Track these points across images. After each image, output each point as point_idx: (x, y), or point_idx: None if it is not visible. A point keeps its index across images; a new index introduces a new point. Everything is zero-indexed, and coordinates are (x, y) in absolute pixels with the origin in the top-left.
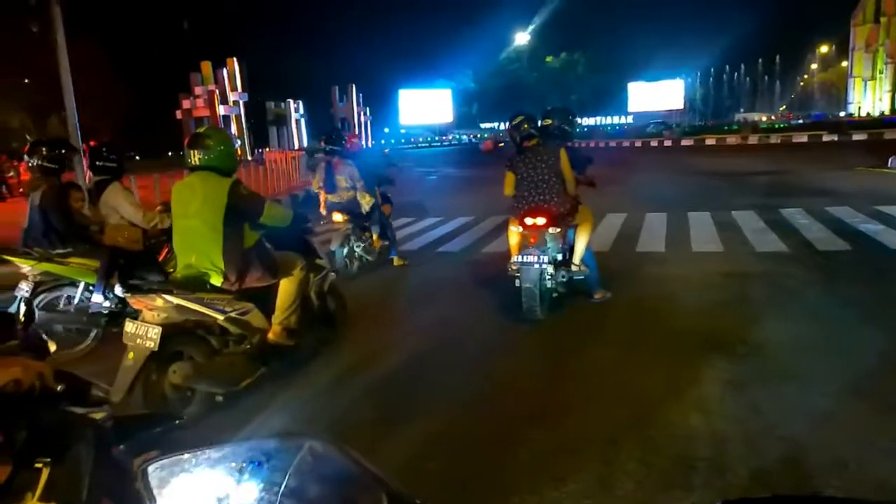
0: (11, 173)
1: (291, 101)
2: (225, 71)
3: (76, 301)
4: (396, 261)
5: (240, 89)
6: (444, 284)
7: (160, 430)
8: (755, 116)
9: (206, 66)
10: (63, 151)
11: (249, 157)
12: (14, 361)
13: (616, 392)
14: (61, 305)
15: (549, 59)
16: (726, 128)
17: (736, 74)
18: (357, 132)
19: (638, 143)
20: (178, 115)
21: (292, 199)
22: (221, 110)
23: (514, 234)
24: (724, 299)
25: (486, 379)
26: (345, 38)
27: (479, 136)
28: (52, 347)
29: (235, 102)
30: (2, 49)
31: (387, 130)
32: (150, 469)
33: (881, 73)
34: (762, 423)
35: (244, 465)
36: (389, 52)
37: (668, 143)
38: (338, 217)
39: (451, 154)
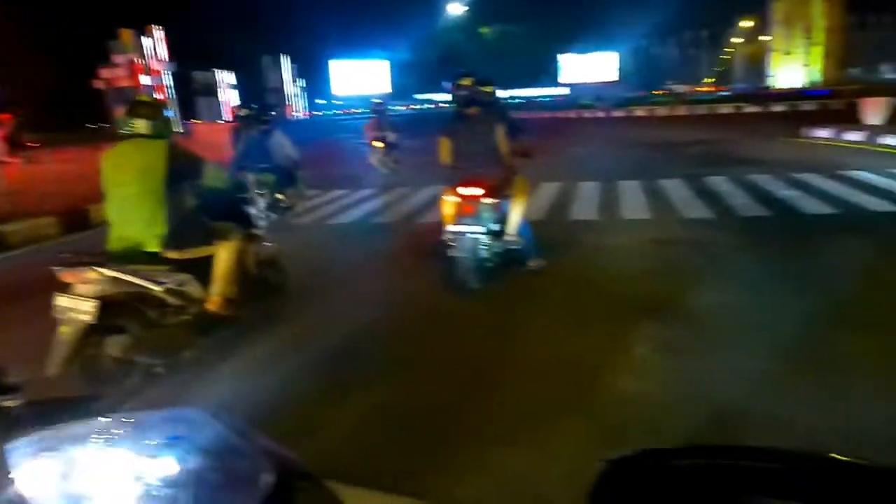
0: None
1: (221, 71)
2: (148, 39)
3: None
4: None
5: (166, 58)
6: (380, 255)
7: (85, 410)
8: (683, 88)
9: (127, 34)
10: None
11: (177, 129)
12: None
13: (553, 358)
14: None
15: (484, 30)
16: (655, 99)
17: (665, 48)
18: (290, 102)
19: (572, 114)
20: (98, 85)
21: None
22: (145, 80)
23: (450, 203)
24: (655, 265)
25: (425, 349)
26: (277, 7)
27: (417, 107)
28: None
29: (160, 72)
30: None
31: (322, 101)
32: (9, 448)
33: (798, 47)
34: (694, 386)
35: (117, 439)
36: (324, 22)
37: (600, 113)
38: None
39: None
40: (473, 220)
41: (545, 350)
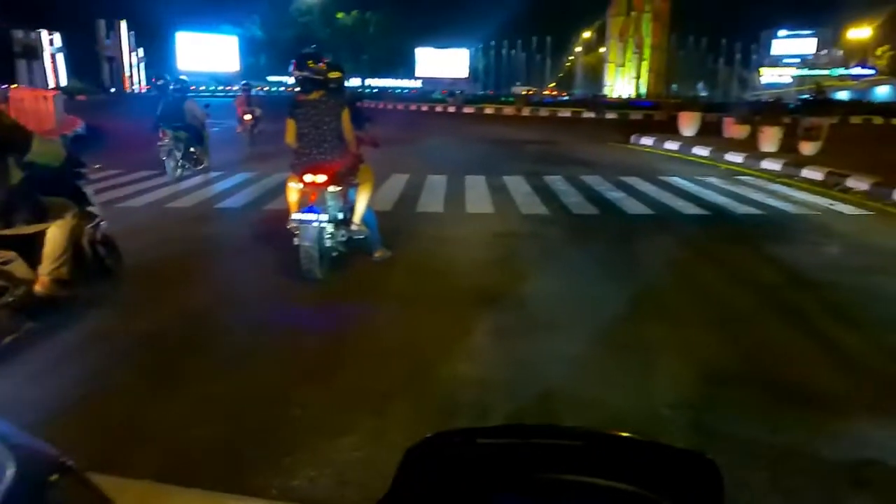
0: None
1: (45, 32)
2: None
3: None
4: None
5: None
6: (222, 242)
7: None
8: (529, 90)
9: None
10: None
11: None
12: None
13: (392, 347)
14: None
15: (340, 15)
16: (503, 98)
17: (514, 50)
18: (128, 74)
19: (425, 108)
20: None
21: (63, 140)
22: None
23: (294, 191)
24: (494, 257)
25: (262, 339)
26: None
27: (266, 88)
28: None
29: None
30: None
31: (167, 78)
32: None
33: (630, 60)
34: (520, 369)
35: None
36: None
37: (451, 109)
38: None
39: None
40: (318, 208)
41: (385, 339)
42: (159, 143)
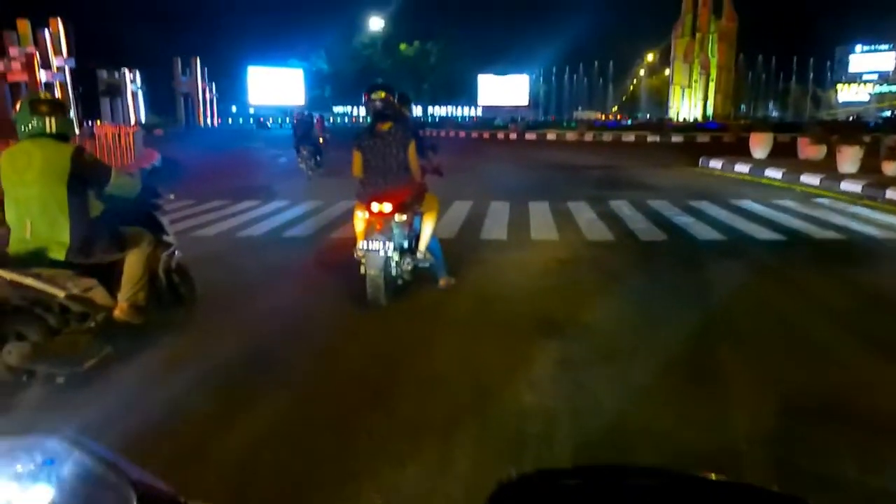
0: None
1: (127, 71)
2: (47, 32)
3: None
4: None
5: (65, 53)
6: (290, 269)
7: None
8: (591, 115)
9: (24, 25)
10: None
11: (77, 131)
12: None
13: (457, 374)
14: None
15: (403, 46)
16: (565, 124)
17: (575, 75)
18: (202, 108)
19: (486, 135)
20: None
21: (141, 173)
22: (43, 76)
23: (361, 219)
24: (559, 284)
25: (329, 366)
26: (189, 6)
27: (333, 118)
28: None
29: (60, 68)
30: None
31: (234, 109)
32: None
33: (696, 82)
34: (588, 400)
35: None
36: (238, 26)
37: (513, 135)
38: None
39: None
40: (384, 237)
41: (449, 367)
42: (298, 157)
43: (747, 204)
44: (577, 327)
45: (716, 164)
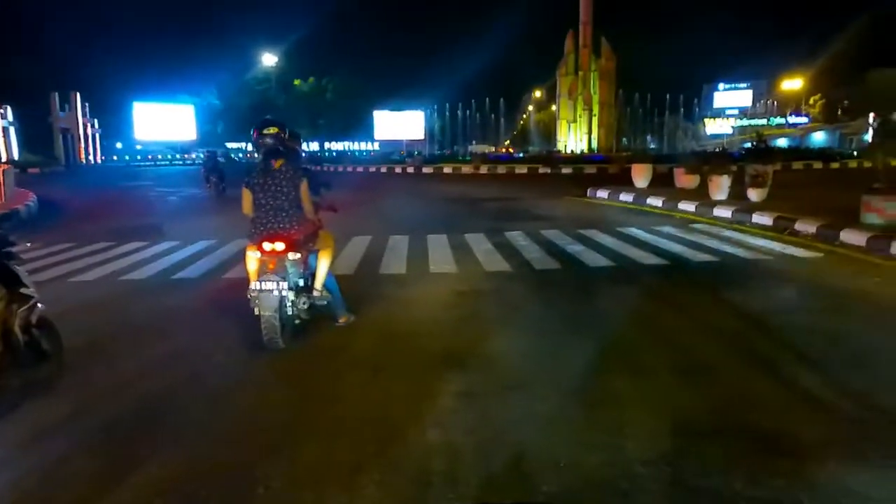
0: None
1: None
2: None
3: None
4: None
5: None
6: (180, 314)
7: None
8: (485, 148)
9: None
10: None
11: None
12: None
13: (359, 415)
14: None
15: (297, 82)
16: (461, 158)
17: (469, 110)
18: (83, 145)
19: (384, 169)
20: None
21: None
22: None
23: (252, 259)
24: (459, 316)
25: (225, 415)
26: (66, 39)
27: (230, 155)
28: None
29: None
30: None
31: (119, 146)
32: None
33: (580, 116)
34: (491, 432)
35: None
36: (122, 61)
37: (410, 169)
38: None
39: (195, 173)
40: (277, 276)
41: (351, 407)
42: (206, 184)
43: (632, 231)
44: (479, 359)
45: (602, 193)
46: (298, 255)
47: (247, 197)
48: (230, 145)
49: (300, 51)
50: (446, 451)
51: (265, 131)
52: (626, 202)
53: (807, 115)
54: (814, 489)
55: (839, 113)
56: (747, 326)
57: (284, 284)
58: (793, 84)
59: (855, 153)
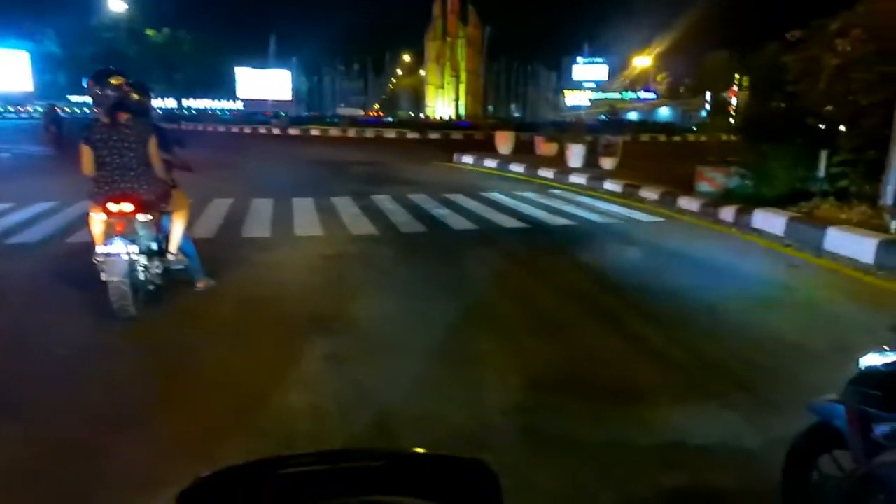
0: None
1: None
2: None
3: None
4: None
5: None
6: (18, 282)
7: None
8: (354, 111)
9: None
10: None
11: None
12: None
13: (220, 382)
14: None
15: (150, 32)
16: (329, 120)
17: (342, 69)
18: None
19: (248, 130)
20: None
21: None
22: None
23: (98, 221)
24: (325, 280)
25: (71, 388)
26: None
27: (69, 109)
28: None
29: None
30: None
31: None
32: None
33: (448, 83)
34: (357, 393)
35: None
36: None
37: (276, 131)
38: None
39: (29, 129)
40: (126, 239)
41: (211, 374)
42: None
43: (496, 196)
44: (344, 323)
45: (468, 159)
46: (150, 217)
47: (86, 154)
48: (73, 98)
49: None
50: (311, 413)
51: (109, 81)
52: (490, 168)
53: (655, 92)
54: (650, 428)
55: (681, 91)
56: (597, 286)
57: (134, 248)
58: (643, 62)
59: (694, 128)
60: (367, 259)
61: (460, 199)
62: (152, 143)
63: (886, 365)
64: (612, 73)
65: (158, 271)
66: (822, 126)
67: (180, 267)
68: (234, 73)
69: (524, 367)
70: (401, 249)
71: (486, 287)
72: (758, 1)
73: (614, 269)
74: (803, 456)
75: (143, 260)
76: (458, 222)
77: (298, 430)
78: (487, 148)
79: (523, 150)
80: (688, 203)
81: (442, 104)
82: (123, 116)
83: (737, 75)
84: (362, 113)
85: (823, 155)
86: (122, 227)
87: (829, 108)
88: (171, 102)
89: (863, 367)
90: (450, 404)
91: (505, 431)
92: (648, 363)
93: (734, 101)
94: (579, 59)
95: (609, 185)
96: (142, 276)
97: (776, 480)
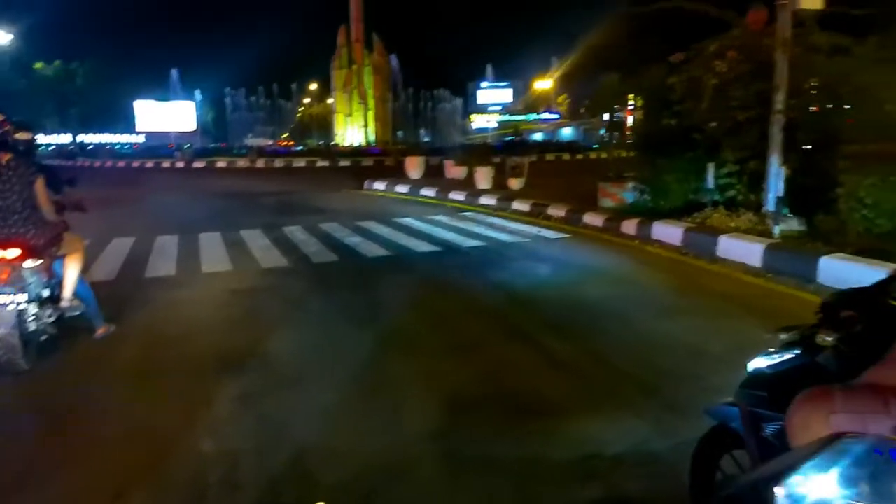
0: None
1: None
2: None
3: None
4: None
5: None
6: None
7: None
8: (261, 142)
9: None
10: None
11: None
12: None
13: (124, 433)
14: None
15: (39, 65)
16: (236, 151)
17: (249, 99)
18: None
19: (150, 164)
20: None
21: None
22: None
23: None
24: (234, 316)
25: None
26: None
27: None
28: None
29: None
30: None
31: None
32: None
33: (357, 110)
34: (272, 432)
35: None
36: None
37: (180, 164)
38: None
39: None
40: (13, 288)
41: (115, 425)
42: None
43: (408, 221)
44: (256, 358)
45: (379, 185)
46: (39, 262)
47: None
48: None
49: (43, 30)
50: (225, 458)
51: None
52: (401, 193)
53: (558, 113)
54: (566, 441)
55: (581, 111)
56: (509, 304)
57: (23, 297)
58: (544, 84)
59: (595, 146)
60: (278, 292)
61: (372, 225)
62: (39, 184)
63: (771, 367)
64: (516, 96)
65: (51, 319)
66: (707, 141)
67: (76, 313)
68: (131, 107)
69: (440, 389)
70: (313, 280)
71: (400, 312)
72: (643, 27)
73: (525, 286)
74: (707, 458)
75: (33, 308)
76: (371, 249)
77: (212, 479)
78: (398, 174)
79: (433, 175)
80: (592, 219)
81: (351, 131)
82: (5, 157)
83: (630, 95)
84: (271, 143)
85: (711, 167)
86: (6, 275)
87: (712, 123)
88: (65, 138)
89: (750, 370)
90: (367, 435)
91: (423, 458)
92: (562, 376)
93: (630, 119)
94: (484, 83)
95: (518, 205)
96: (33, 326)
97: (686, 483)
